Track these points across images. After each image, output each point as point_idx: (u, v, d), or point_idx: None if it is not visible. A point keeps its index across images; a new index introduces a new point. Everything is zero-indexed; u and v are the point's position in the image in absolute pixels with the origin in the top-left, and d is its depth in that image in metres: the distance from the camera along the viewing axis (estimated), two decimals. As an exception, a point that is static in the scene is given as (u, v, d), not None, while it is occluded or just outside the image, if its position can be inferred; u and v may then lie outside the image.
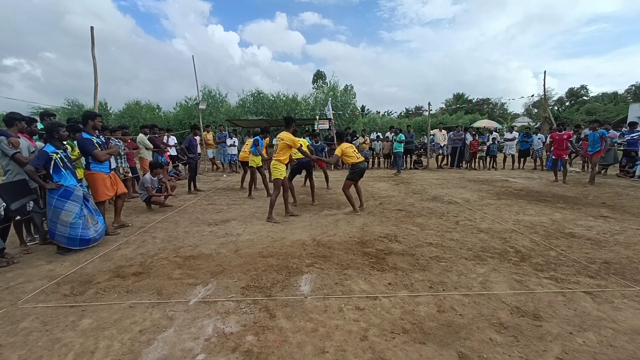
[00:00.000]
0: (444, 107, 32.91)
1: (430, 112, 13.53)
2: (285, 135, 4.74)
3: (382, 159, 12.76)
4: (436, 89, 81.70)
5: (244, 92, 22.70)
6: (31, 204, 3.59)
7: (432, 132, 12.56)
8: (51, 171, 3.46)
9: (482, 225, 4.41)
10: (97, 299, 2.54)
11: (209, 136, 11.86)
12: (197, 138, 7.88)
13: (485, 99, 33.56)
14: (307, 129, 16.40)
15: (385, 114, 20.31)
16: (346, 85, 24.73)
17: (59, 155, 3.53)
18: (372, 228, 4.34)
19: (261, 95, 22.15)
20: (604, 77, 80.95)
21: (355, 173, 5.13)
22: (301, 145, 5.21)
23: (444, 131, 12.35)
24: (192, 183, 7.43)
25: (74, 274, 3.02)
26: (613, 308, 2.32)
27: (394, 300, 2.46)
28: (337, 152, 5.16)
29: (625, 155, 9.45)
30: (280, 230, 4.28)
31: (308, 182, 6.48)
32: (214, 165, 12.39)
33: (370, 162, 12.62)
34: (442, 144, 12.15)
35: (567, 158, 8.25)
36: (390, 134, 12.08)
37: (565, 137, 8.10)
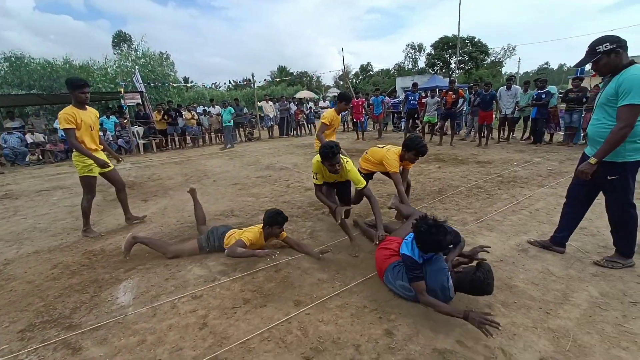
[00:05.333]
0: (270, 78, 34.19)
1: (255, 83, 13.68)
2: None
3: (212, 135, 12.04)
4: (261, 61, 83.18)
5: None
6: None
7: (259, 103, 12.81)
8: None
9: (308, 184, 4.97)
10: None
11: None
12: None
13: (303, 72, 37.16)
14: (110, 106, 13.15)
15: (213, 86, 18.82)
16: (160, 52, 20.95)
17: None
18: (207, 208, 4.04)
19: (26, 61, 15.67)
20: (380, 57, 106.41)
21: None
22: None
23: (270, 102, 12.83)
24: None
25: None
26: None
27: (232, 276, 2.41)
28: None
29: (392, 115, 12.86)
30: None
31: None
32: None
33: (201, 139, 11.68)
34: (271, 115, 12.65)
35: (362, 120, 10.46)
36: (213, 108, 11.49)
37: (360, 103, 10.23)
